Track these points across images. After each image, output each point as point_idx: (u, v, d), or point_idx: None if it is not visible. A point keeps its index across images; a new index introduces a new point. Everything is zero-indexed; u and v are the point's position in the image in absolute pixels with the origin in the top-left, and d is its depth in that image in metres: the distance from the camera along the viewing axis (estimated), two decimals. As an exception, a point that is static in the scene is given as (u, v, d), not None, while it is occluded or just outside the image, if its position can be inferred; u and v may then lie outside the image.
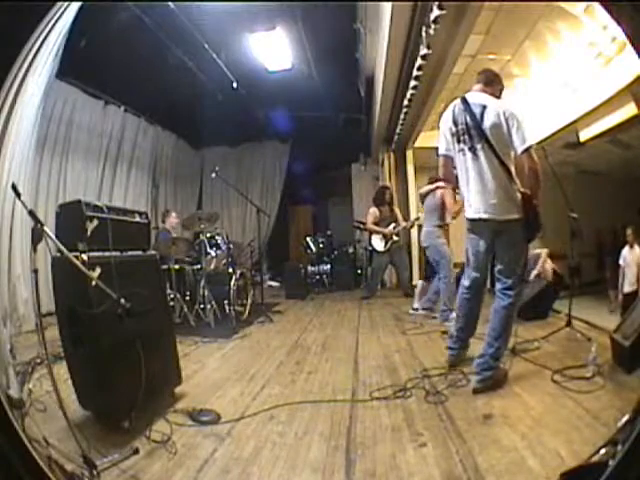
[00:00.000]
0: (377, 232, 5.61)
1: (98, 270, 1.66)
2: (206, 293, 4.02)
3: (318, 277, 7.32)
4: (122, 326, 1.51)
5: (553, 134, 4.73)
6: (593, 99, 3.91)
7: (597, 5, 2.44)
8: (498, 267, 2.25)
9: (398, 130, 5.97)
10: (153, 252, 2.33)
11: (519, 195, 2.14)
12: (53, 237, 1.45)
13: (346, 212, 8.38)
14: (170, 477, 1.45)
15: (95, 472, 1.31)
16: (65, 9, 1.98)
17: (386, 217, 5.62)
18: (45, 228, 1.38)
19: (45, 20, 1.54)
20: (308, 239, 7.52)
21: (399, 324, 3.90)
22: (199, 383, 2.44)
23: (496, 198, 2.13)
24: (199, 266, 4.29)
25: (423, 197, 4.02)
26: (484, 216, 2.17)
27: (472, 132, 2.17)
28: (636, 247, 4.21)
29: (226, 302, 4.11)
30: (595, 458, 1.09)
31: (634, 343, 2.13)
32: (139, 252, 2.14)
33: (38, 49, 2.41)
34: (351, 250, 7.36)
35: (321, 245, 7.41)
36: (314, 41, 4.80)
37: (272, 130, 7.62)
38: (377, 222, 5.61)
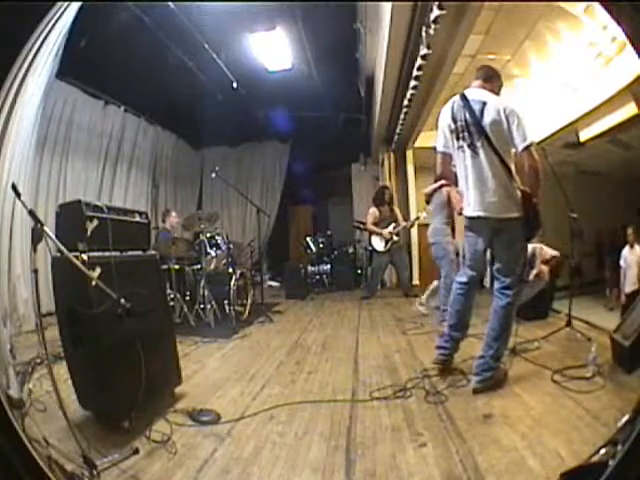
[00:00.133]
0: (377, 232, 5.61)
1: (98, 270, 1.66)
2: (206, 293, 4.02)
3: (318, 277, 7.32)
4: (122, 326, 1.51)
5: (553, 134, 4.73)
6: (593, 99, 3.91)
7: (597, 5, 2.44)
8: (496, 266, 2.23)
9: (398, 130, 5.97)
10: (153, 252, 2.33)
11: (519, 193, 2.12)
12: (53, 237, 1.45)
13: (346, 212, 8.37)
14: (170, 477, 1.45)
15: (95, 472, 1.31)
16: (65, 9, 1.98)
17: (386, 217, 5.63)
18: (45, 228, 1.38)
19: (45, 20, 1.54)
20: (308, 239, 7.52)
21: (399, 324, 3.90)
22: (199, 383, 2.44)
23: (496, 196, 2.11)
24: (199, 266, 4.29)
25: (429, 196, 4.00)
26: (483, 214, 2.15)
27: (471, 129, 2.14)
28: (636, 247, 4.21)
29: (226, 302, 4.11)
30: (595, 458, 1.09)
31: (634, 343, 2.13)
32: (139, 252, 2.14)
33: (38, 49, 2.41)
34: (351, 250, 7.36)
35: (321, 245, 7.41)
36: (314, 41, 4.80)
37: (272, 130, 7.62)
38: (377, 222, 5.62)
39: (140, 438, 1.67)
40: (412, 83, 4.03)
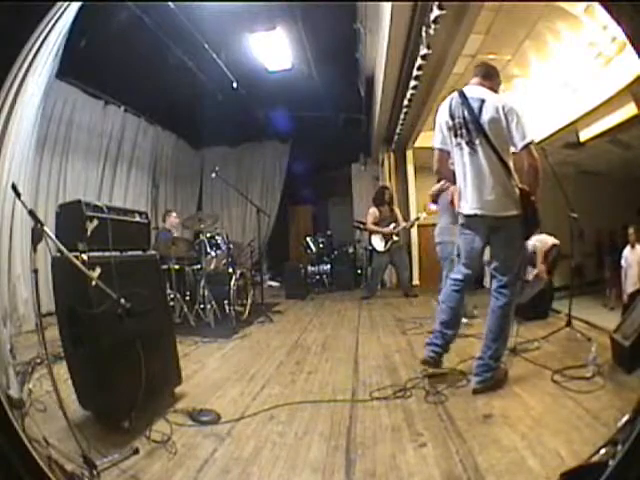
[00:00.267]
0: (377, 232, 5.61)
1: (98, 270, 1.66)
2: (206, 293, 4.02)
3: (318, 277, 7.32)
4: (122, 326, 1.51)
5: (553, 134, 4.74)
6: (593, 99, 3.91)
7: (597, 5, 2.44)
8: (494, 265, 2.21)
9: (398, 130, 5.97)
10: (153, 252, 2.33)
11: (517, 191, 2.11)
12: (53, 237, 1.45)
13: (346, 212, 8.37)
14: (170, 477, 1.45)
15: (95, 472, 1.31)
16: (65, 9, 1.98)
17: (386, 217, 5.63)
18: (45, 228, 1.38)
19: (45, 20, 1.54)
20: (308, 239, 7.52)
21: (399, 324, 3.90)
22: (199, 383, 2.44)
23: (494, 194, 2.09)
24: (199, 266, 4.29)
25: (435, 196, 3.99)
26: (480, 212, 2.13)
27: (470, 126, 2.13)
28: (637, 247, 4.21)
29: (226, 302, 4.11)
30: (595, 458, 1.09)
31: (634, 343, 2.13)
32: (139, 252, 2.14)
33: (38, 49, 2.41)
34: (351, 250, 7.36)
35: (321, 245, 7.41)
36: (314, 41, 4.80)
37: (272, 130, 7.62)
38: (377, 222, 5.63)
39: (140, 438, 1.67)
40: (412, 83, 4.03)
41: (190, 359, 2.92)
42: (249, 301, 4.60)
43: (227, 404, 2.08)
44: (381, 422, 1.82)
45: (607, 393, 1.94)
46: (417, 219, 5.79)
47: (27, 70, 2.42)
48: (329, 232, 7.72)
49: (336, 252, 7.32)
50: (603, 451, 1.06)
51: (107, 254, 1.82)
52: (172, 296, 3.91)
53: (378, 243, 5.62)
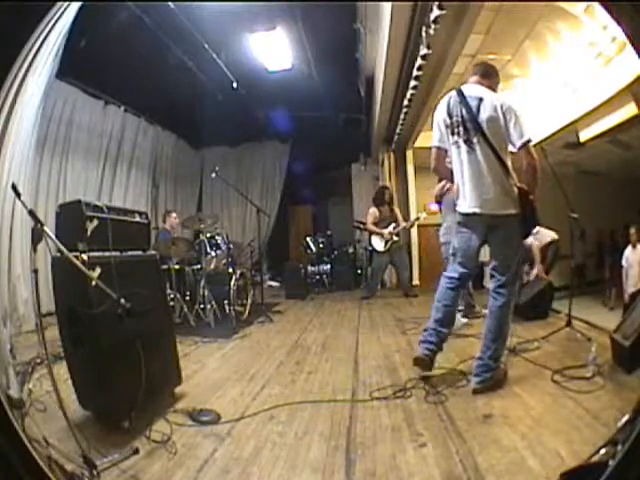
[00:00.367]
0: (377, 233, 5.61)
1: (98, 270, 1.66)
2: (206, 293, 4.02)
3: (318, 277, 7.32)
4: (122, 326, 1.51)
5: (553, 134, 4.74)
6: (593, 99, 3.91)
7: (597, 5, 2.44)
8: (492, 264, 2.21)
9: (398, 130, 5.97)
10: (153, 252, 2.33)
11: (516, 190, 2.11)
12: (53, 237, 1.45)
13: (346, 212, 8.37)
14: (170, 477, 1.45)
15: (95, 472, 1.31)
16: (65, 9, 1.98)
17: (386, 217, 5.63)
18: (45, 228, 1.38)
19: (45, 20, 1.54)
20: (308, 239, 7.52)
21: (399, 324, 3.90)
22: (199, 383, 2.44)
23: (492, 193, 2.09)
24: (199, 266, 4.29)
25: (440, 197, 3.97)
26: (479, 210, 2.12)
27: (468, 125, 2.12)
28: (639, 247, 4.20)
29: (226, 302, 4.11)
30: (595, 458, 1.09)
31: (634, 343, 2.13)
32: (139, 252, 2.14)
33: (38, 49, 2.41)
34: (351, 250, 7.36)
35: (321, 245, 7.41)
36: (314, 41, 4.80)
37: (272, 130, 7.62)
38: (377, 222, 5.63)
39: (140, 438, 1.67)
40: (412, 83, 4.03)
41: (190, 359, 2.92)
42: (249, 301, 4.60)
43: (227, 404, 2.08)
44: (381, 422, 1.82)
45: (607, 393, 1.94)
46: (417, 219, 5.80)
47: (27, 70, 2.42)
48: (329, 232, 7.72)
49: (336, 252, 7.32)
50: (603, 451, 1.06)
51: (107, 254, 1.82)
52: (172, 296, 3.91)
53: (378, 243, 5.62)
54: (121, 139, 6.02)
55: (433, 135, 2.32)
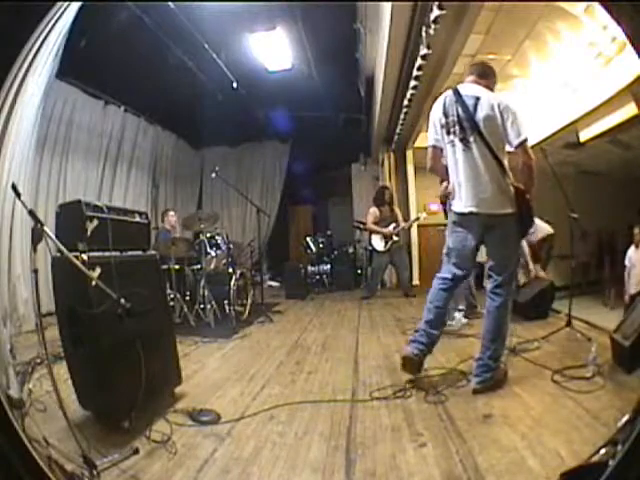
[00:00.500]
0: (377, 232, 5.61)
1: (98, 270, 1.66)
2: (206, 293, 4.02)
3: (318, 277, 7.32)
4: (122, 326, 1.51)
5: (553, 134, 4.73)
6: (593, 99, 3.90)
7: (597, 5, 2.44)
8: (489, 264, 2.21)
9: (398, 130, 5.97)
10: (153, 252, 2.33)
11: (512, 189, 2.10)
12: (53, 237, 1.45)
13: (346, 212, 8.38)
14: (170, 477, 1.45)
15: (95, 472, 1.31)
16: (65, 9, 1.98)
17: (386, 217, 5.63)
18: (45, 228, 1.38)
19: (45, 20, 1.54)
20: (308, 239, 7.52)
21: (399, 324, 3.90)
22: (199, 383, 2.44)
23: (489, 192, 2.08)
24: (199, 266, 4.29)
25: (445, 197, 3.96)
26: (475, 210, 2.11)
27: (464, 124, 2.12)
28: None
29: (226, 302, 4.11)
30: (595, 458, 1.09)
31: (634, 343, 2.13)
32: (139, 252, 2.14)
33: (38, 49, 2.41)
34: (351, 250, 7.37)
35: (321, 245, 7.41)
36: (314, 41, 4.80)
37: (272, 130, 7.62)
38: (377, 222, 5.63)
39: (140, 438, 1.67)
40: (412, 83, 4.03)
41: (190, 359, 2.92)
42: (249, 301, 4.60)
43: (227, 404, 2.08)
44: (381, 422, 1.82)
45: (607, 393, 1.94)
46: (417, 219, 5.80)
47: (27, 70, 2.42)
48: (329, 232, 7.72)
49: (336, 252, 7.32)
50: (603, 451, 1.06)
51: (107, 254, 1.82)
52: (172, 296, 3.91)
53: (378, 243, 5.62)
54: (121, 139, 6.02)
55: (429, 134, 2.31)
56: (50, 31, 2.43)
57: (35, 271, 1.36)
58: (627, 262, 4.21)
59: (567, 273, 3.69)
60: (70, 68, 4.08)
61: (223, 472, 1.47)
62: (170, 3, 3.82)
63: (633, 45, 1.05)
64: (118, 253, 1.91)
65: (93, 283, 1.51)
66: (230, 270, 4.23)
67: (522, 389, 2.07)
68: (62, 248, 1.48)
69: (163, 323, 2.16)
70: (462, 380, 2.23)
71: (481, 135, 2.07)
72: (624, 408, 1.56)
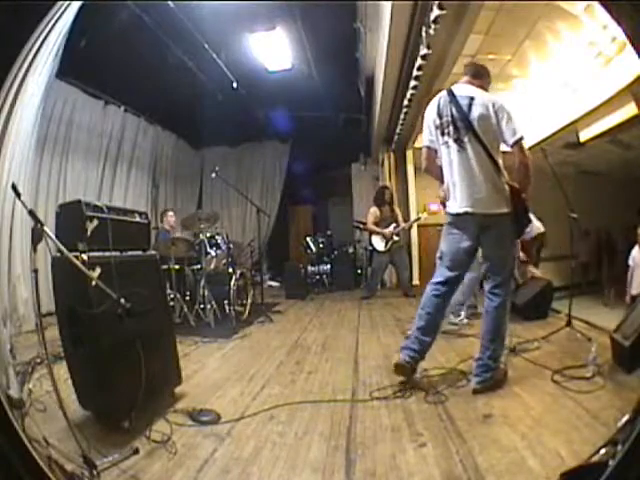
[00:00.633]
0: (377, 232, 5.61)
1: (98, 270, 1.66)
2: (206, 293, 4.02)
3: (318, 277, 7.32)
4: (122, 326, 1.51)
5: (553, 134, 4.73)
6: (593, 99, 3.90)
7: (597, 5, 2.44)
8: (487, 265, 2.20)
9: (398, 130, 5.97)
10: (153, 252, 2.33)
11: (507, 188, 2.10)
12: (53, 237, 1.45)
13: (346, 212, 8.38)
14: (170, 477, 1.45)
15: (95, 472, 1.31)
16: (65, 9, 1.98)
17: (387, 217, 5.64)
18: (45, 228, 1.38)
19: (45, 20, 1.54)
20: (308, 239, 7.51)
21: (399, 324, 3.90)
22: (199, 383, 2.44)
23: (484, 191, 2.07)
24: (199, 266, 4.29)
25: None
26: (470, 210, 2.10)
27: (458, 124, 2.12)
28: None
29: (226, 302, 4.11)
30: (595, 458, 1.09)
31: (634, 343, 2.13)
32: (139, 252, 2.14)
33: (38, 49, 2.41)
34: (351, 250, 7.37)
35: (321, 245, 7.41)
36: (314, 41, 4.80)
37: (272, 130, 7.62)
38: (378, 222, 5.63)
39: (140, 438, 1.67)
40: (412, 83, 4.03)
41: (190, 359, 2.92)
42: (249, 301, 4.60)
43: (227, 404, 2.08)
44: (381, 422, 1.82)
45: (607, 393, 1.94)
46: (417, 219, 5.81)
47: (27, 70, 2.42)
48: (329, 232, 7.72)
49: (336, 252, 7.32)
50: (603, 451, 1.06)
51: (107, 254, 1.82)
52: (172, 296, 3.91)
53: (378, 243, 5.62)
54: (121, 139, 6.02)
55: (423, 136, 2.31)
56: (50, 31, 2.43)
57: (35, 271, 1.36)
58: (630, 262, 4.18)
59: (567, 273, 3.69)
60: (70, 68, 4.07)
61: (223, 472, 1.47)
62: (170, 2, 3.82)
63: (633, 45, 1.05)
64: (118, 253, 1.91)
65: (93, 283, 1.51)
66: (230, 270, 4.23)
67: (522, 389, 2.07)
68: (62, 248, 1.48)
69: (163, 323, 2.16)
70: (462, 380, 2.23)
71: (475, 135, 2.07)
72: (624, 408, 1.55)
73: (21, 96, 2.50)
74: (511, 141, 2.05)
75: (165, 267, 3.88)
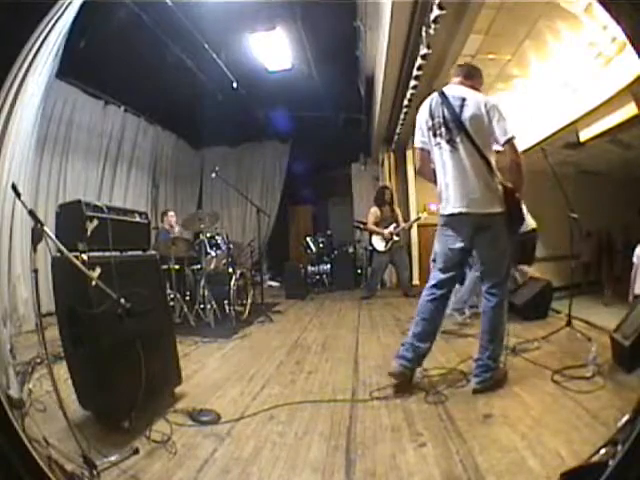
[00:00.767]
0: (377, 232, 5.62)
1: (98, 270, 1.66)
2: (206, 293, 4.02)
3: (318, 277, 7.33)
4: (122, 326, 1.51)
5: (553, 134, 4.73)
6: (593, 99, 3.90)
7: (597, 4, 2.43)
8: (482, 266, 2.19)
9: (398, 130, 5.97)
10: (153, 252, 2.33)
11: (500, 187, 2.10)
12: (53, 237, 1.45)
13: (346, 212, 8.38)
14: (170, 477, 1.45)
15: (95, 472, 1.31)
16: (65, 8, 1.98)
17: (387, 217, 5.64)
18: (45, 228, 1.38)
19: (45, 20, 1.54)
20: (308, 239, 7.52)
21: (399, 324, 3.90)
22: (199, 383, 2.44)
23: (477, 191, 2.07)
24: (199, 266, 4.29)
25: None
26: (465, 210, 2.09)
27: (450, 125, 2.12)
28: None
29: (226, 302, 4.11)
30: (595, 458, 1.09)
31: (634, 343, 2.13)
32: (139, 252, 2.14)
33: (38, 49, 2.41)
34: (351, 250, 7.37)
35: (321, 245, 7.41)
36: (314, 41, 4.80)
37: (272, 130, 7.62)
38: (378, 222, 5.64)
39: (140, 438, 1.67)
40: (412, 83, 4.03)
41: (190, 359, 2.92)
42: (249, 301, 4.60)
43: (227, 404, 2.08)
44: (381, 422, 1.82)
45: (607, 393, 1.94)
46: (417, 219, 5.81)
47: (27, 70, 2.42)
48: (329, 232, 7.73)
49: (336, 252, 7.32)
50: (603, 451, 1.06)
51: (107, 254, 1.82)
52: (172, 296, 3.91)
53: (379, 243, 5.63)
54: (121, 139, 6.02)
55: (415, 137, 2.30)
56: (50, 31, 2.42)
57: (35, 271, 1.36)
58: (635, 259, 4.16)
59: (567, 273, 3.69)
60: (70, 68, 4.07)
61: (223, 472, 1.47)
62: (169, 1, 3.82)
63: (633, 45, 1.05)
64: (118, 253, 1.91)
65: (93, 283, 1.51)
66: (230, 270, 4.23)
67: (522, 389, 2.07)
68: (62, 248, 1.48)
69: (163, 323, 2.16)
70: (462, 380, 2.23)
71: (468, 135, 2.07)
72: (624, 408, 1.56)
73: (21, 96, 2.50)
74: (502, 140, 2.05)
75: (165, 267, 3.88)
